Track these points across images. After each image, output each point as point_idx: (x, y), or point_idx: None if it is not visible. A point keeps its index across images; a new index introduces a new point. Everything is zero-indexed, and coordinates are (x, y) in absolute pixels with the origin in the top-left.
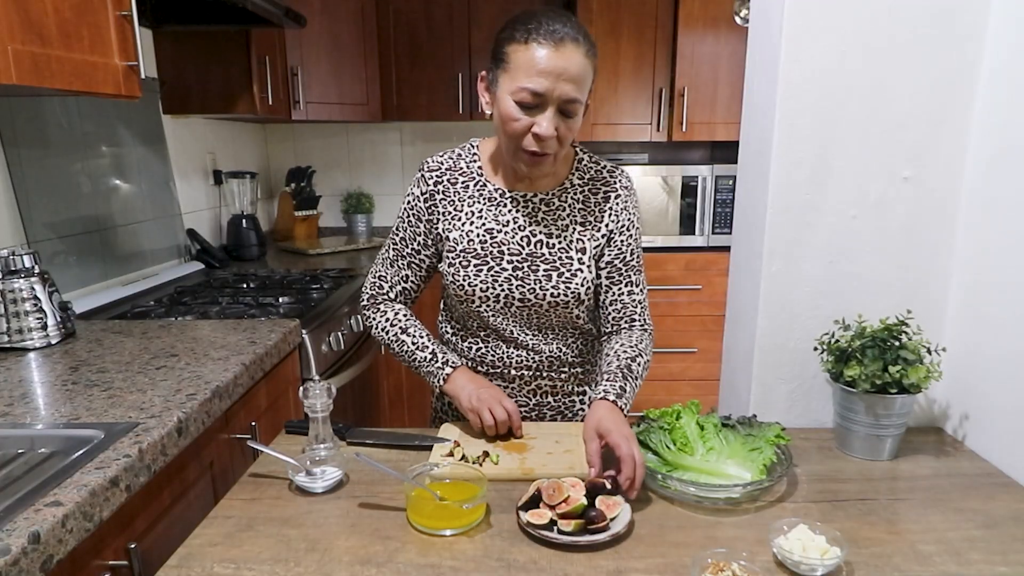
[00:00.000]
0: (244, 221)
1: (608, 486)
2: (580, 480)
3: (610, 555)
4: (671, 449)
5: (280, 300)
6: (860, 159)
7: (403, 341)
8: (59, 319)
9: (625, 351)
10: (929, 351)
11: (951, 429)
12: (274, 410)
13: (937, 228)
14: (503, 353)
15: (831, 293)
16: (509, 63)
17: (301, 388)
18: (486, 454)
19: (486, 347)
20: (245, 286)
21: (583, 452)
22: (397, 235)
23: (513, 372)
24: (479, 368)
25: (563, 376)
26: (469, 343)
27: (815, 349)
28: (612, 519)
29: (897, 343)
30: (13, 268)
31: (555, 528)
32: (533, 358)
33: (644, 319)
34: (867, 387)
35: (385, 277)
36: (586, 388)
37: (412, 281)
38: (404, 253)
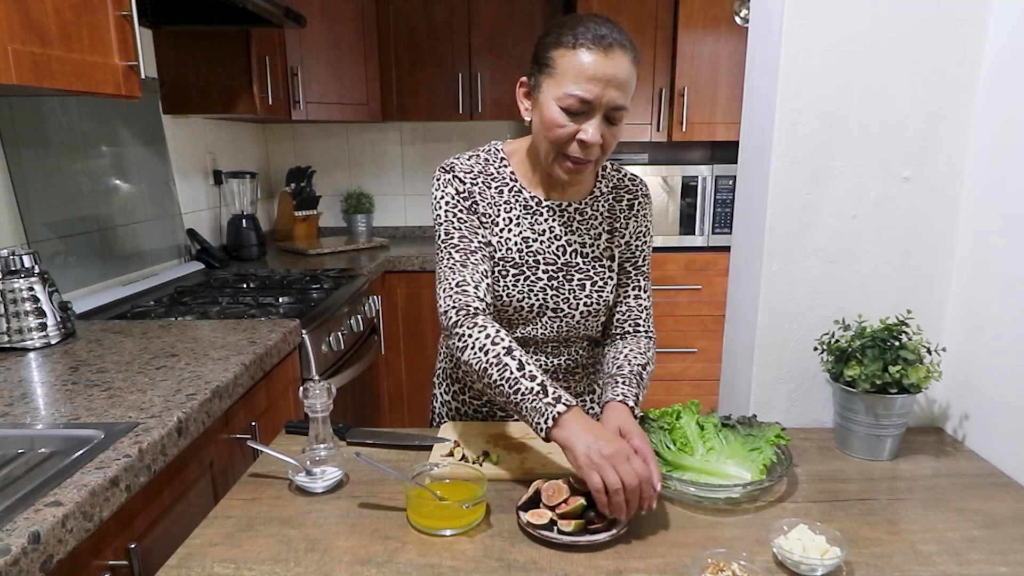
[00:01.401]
0: (244, 221)
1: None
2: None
3: (610, 555)
4: (671, 449)
5: (280, 300)
6: (860, 159)
7: (506, 365)
8: (59, 319)
9: (636, 358)
10: (929, 351)
11: (951, 429)
12: (274, 410)
13: (937, 228)
14: None
15: (831, 293)
16: (555, 68)
17: (301, 388)
18: (486, 454)
19: None
20: (245, 286)
21: None
22: (453, 235)
23: None
24: None
25: (575, 379)
26: None
27: (815, 349)
28: (612, 520)
29: (897, 343)
30: (13, 268)
31: (555, 528)
32: (549, 363)
33: (648, 326)
34: (867, 387)
35: (466, 281)
36: (595, 388)
37: (491, 277)
38: (472, 248)
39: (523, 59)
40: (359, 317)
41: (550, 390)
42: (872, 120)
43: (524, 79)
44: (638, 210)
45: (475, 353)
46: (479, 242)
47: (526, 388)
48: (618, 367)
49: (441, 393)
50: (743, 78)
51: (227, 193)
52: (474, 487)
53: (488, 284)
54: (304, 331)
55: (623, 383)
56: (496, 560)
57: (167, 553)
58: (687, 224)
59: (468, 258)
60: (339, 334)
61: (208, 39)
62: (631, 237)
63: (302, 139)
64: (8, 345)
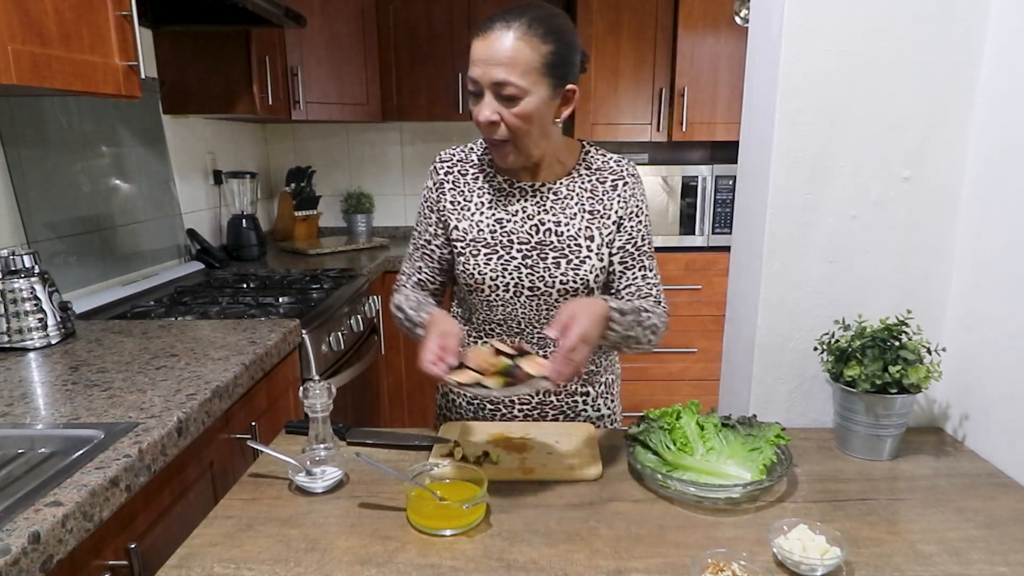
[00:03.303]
0: (244, 221)
1: (528, 352)
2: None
3: (610, 555)
4: (671, 449)
5: (280, 300)
6: (860, 159)
7: (403, 311)
8: (59, 319)
9: (640, 302)
10: (929, 351)
11: (951, 429)
12: (274, 410)
13: (937, 228)
14: None
15: (831, 293)
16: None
17: (301, 388)
18: (486, 454)
19: (491, 340)
20: (245, 286)
21: (582, 452)
22: (416, 229)
23: None
24: None
25: None
26: (474, 337)
27: (815, 349)
28: (535, 377)
29: (897, 343)
30: (13, 268)
31: (479, 385)
32: (539, 352)
33: (660, 299)
34: (867, 387)
35: (405, 270)
36: (589, 389)
37: (426, 272)
38: (419, 244)
39: (566, 45)
40: (359, 317)
41: (423, 309)
42: (872, 120)
43: None
44: (623, 191)
45: (392, 317)
46: (424, 240)
47: (410, 316)
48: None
49: (441, 386)
50: (743, 78)
51: (227, 193)
52: (474, 487)
53: (419, 279)
54: (304, 331)
55: (620, 301)
56: (496, 560)
57: (167, 553)
58: (687, 224)
59: (414, 252)
60: (339, 334)
61: (208, 39)
62: (624, 219)
63: (302, 139)
64: (8, 345)
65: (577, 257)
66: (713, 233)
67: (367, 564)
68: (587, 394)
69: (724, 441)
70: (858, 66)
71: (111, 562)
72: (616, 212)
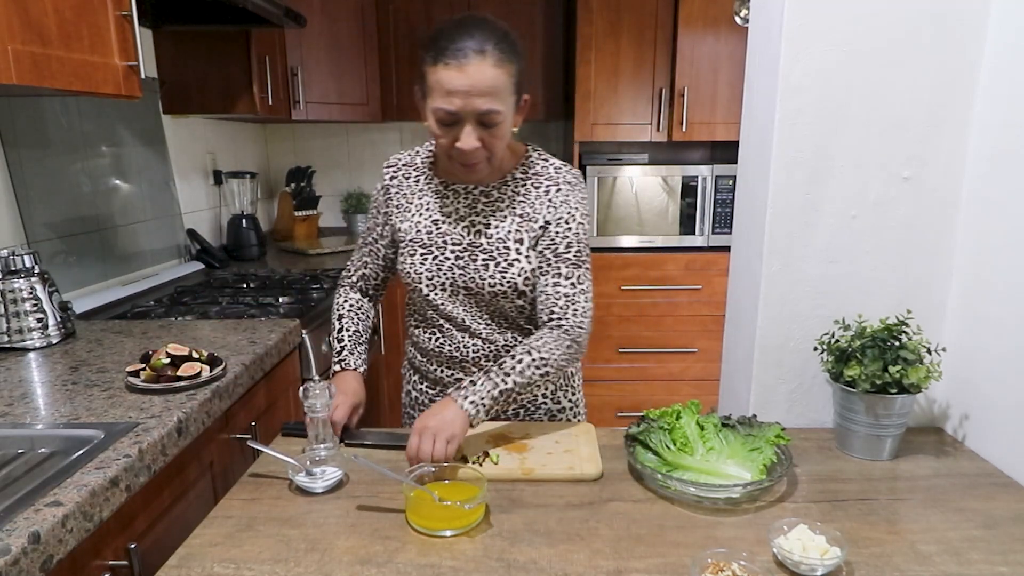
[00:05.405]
0: (244, 221)
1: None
2: None
3: (610, 555)
4: (671, 449)
5: (280, 300)
6: (860, 159)
7: (334, 324)
8: (59, 319)
9: (519, 354)
10: (929, 351)
11: (951, 429)
12: (274, 410)
13: (937, 228)
14: (459, 343)
15: (831, 293)
16: (427, 84)
17: (301, 388)
18: (486, 454)
19: (443, 337)
20: (245, 286)
21: (582, 452)
22: (366, 226)
23: (470, 361)
24: (438, 357)
25: None
26: (428, 334)
27: (815, 349)
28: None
29: (897, 343)
30: (13, 268)
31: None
32: (488, 347)
33: (567, 315)
34: (867, 387)
35: (352, 263)
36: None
37: (370, 268)
38: (367, 241)
39: (522, 59)
40: None
41: (344, 354)
42: (872, 120)
43: (416, 87)
44: (554, 196)
45: (333, 312)
46: (371, 239)
47: (336, 347)
48: (500, 360)
49: (405, 384)
50: (743, 78)
51: (227, 193)
52: (474, 487)
53: (363, 273)
54: (304, 331)
55: (476, 379)
56: (496, 560)
57: (167, 553)
58: (687, 224)
59: (361, 247)
60: None
61: (208, 39)
62: (549, 223)
63: (302, 139)
64: (8, 345)
65: (505, 260)
66: (713, 233)
67: (367, 564)
68: (545, 388)
69: (724, 441)
70: (858, 66)
71: (111, 562)
72: (544, 217)
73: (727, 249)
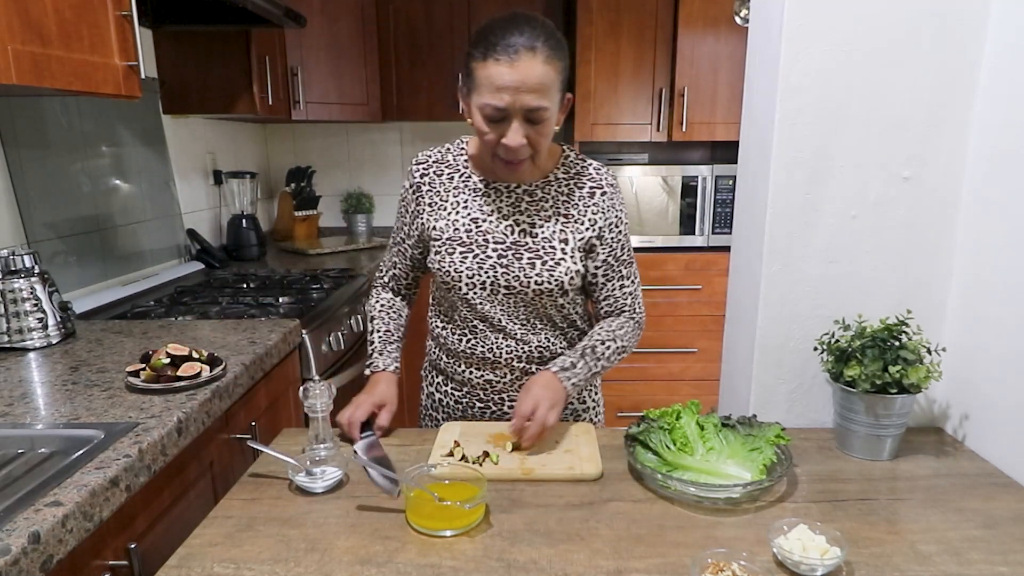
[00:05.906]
0: (244, 221)
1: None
2: None
3: (610, 555)
4: (671, 449)
5: (280, 300)
6: (860, 159)
7: (366, 327)
8: (59, 319)
9: (598, 334)
10: (929, 351)
11: (951, 429)
12: (274, 410)
13: (937, 228)
14: (492, 343)
15: (831, 293)
16: (474, 80)
17: (301, 388)
18: (486, 454)
19: (476, 338)
20: (245, 286)
21: (582, 452)
22: (394, 226)
23: (502, 363)
24: (468, 359)
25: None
26: (459, 335)
27: (815, 349)
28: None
29: (897, 343)
30: (13, 268)
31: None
32: (522, 348)
33: (634, 308)
34: (867, 387)
35: (384, 263)
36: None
37: (400, 269)
38: (395, 241)
39: (568, 57)
40: (359, 317)
41: (375, 353)
42: (872, 120)
43: (460, 84)
44: (601, 200)
45: (367, 313)
46: (400, 238)
47: (369, 348)
48: (581, 343)
49: (427, 386)
50: (743, 78)
51: (227, 193)
52: (474, 487)
53: (394, 274)
54: (304, 331)
55: (565, 355)
56: (496, 560)
57: (167, 553)
58: (687, 224)
59: (391, 248)
60: (339, 334)
61: (208, 39)
62: (604, 230)
63: (302, 139)
64: (8, 345)
65: (552, 259)
66: (713, 233)
67: (367, 564)
68: None
69: (724, 441)
70: (858, 66)
71: (111, 562)
72: (592, 221)
73: (727, 249)
